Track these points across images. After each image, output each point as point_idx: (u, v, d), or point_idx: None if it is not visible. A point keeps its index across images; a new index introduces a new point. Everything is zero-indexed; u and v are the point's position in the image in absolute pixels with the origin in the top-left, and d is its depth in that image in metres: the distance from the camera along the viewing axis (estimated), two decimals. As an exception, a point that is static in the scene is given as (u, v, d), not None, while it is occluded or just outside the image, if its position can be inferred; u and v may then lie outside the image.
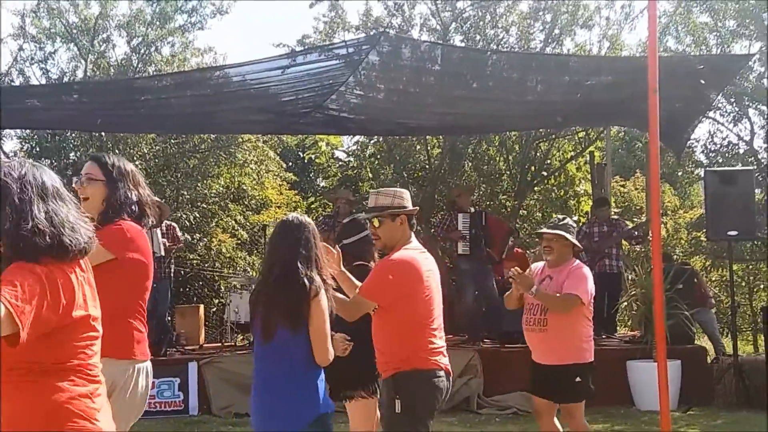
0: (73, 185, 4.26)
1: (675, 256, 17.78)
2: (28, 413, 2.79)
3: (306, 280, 4.27)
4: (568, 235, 6.36)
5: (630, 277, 12.12)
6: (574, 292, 6.16)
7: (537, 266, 6.61)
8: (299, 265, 4.32)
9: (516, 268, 6.35)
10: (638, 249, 15.87)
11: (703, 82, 10.67)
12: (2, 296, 2.58)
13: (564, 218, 6.65)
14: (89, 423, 2.85)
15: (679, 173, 21.00)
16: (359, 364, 5.25)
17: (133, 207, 4.22)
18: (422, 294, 4.90)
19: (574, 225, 6.67)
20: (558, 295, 6.22)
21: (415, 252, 5.02)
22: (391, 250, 5.04)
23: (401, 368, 4.75)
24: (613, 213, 13.86)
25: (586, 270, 6.38)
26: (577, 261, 6.46)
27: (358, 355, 5.02)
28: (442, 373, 4.88)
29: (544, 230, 6.63)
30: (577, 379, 6.19)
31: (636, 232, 12.36)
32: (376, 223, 5.07)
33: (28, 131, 16.23)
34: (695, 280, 12.12)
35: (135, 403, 4.10)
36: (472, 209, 12.39)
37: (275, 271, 4.40)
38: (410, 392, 4.81)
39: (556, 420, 6.46)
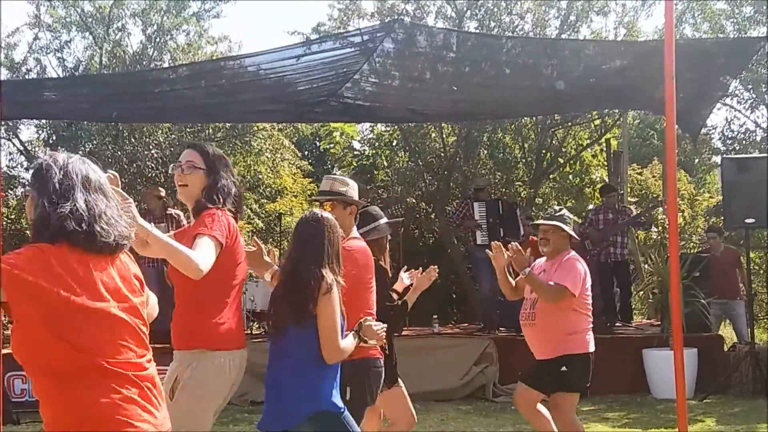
0: (171, 171, 4.39)
1: (692, 244, 17.73)
2: (64, 422, 2.80)
3: (314, 277, 4.25)
4: (564, 226, 6.30)
5: (646, 266, 12.11)
6: (562, 282, 6.07)
7: (541, 261, 6.53)
8: (309, 261, 4.31)
9: (515, 244, 6.30)
10: (654, 237, 15.83)
11: (715, 50, 10.60)
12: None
13: (561, 209, 6.58)
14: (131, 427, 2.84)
15: (696, 160, 20.91)
16: None
17: (233, 197, 4.29)
18: (370, 283, 5.06)
19: (572, 216, 6.60)
20: (543, 281, 6.17)
21: (362, 242, 5.20)
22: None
23: (354, 357, 4.57)
24: (629, 201, 13.82)
25: (579, 262, 6.27)
26: (572, 252, 6.36)
27: None
28: (380, 362, 5.04)
29: (540, 221, 6.61)
30: (563, 368, 6.07)
31: (641, 218, 12.31)
32: (328, 207, 5.08)
33: (44, 120, 16.29)
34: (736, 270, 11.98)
35: (208, 392, 4.06)
36: (490, 198, 12.37)
37: (288, 267, 4.43)
38: (360, 381, 4.86)
39: (540, 406, 6.29)
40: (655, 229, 16.70)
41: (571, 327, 6.13)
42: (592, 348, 6.21)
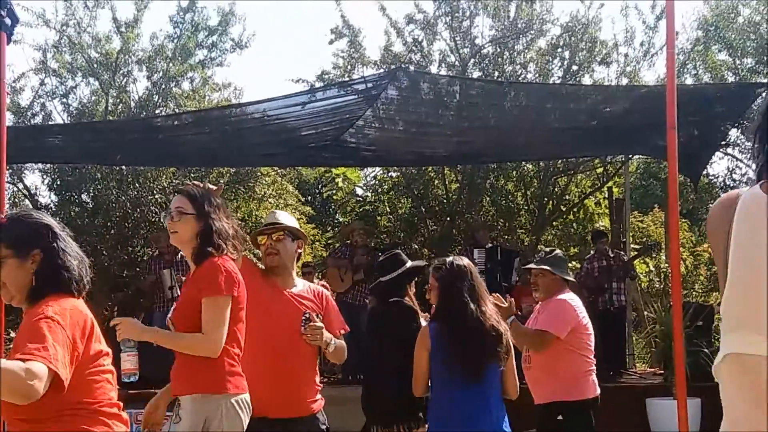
0: (162, 219, 4.51)
1: (694, 293, 17.69)
2: None
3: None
4: (552, 269, 6.08)
5: (648, 314, 12.07)
6: (544, 327, 5.89)
7: (538, 306, 6.37)
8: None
9: (497, 295, 5.97)
10: (657, 285, 15.81)
11: (718, 94, 10.67)
12: (38, 358, 2.66)
13: (552, 250, 6.44)
14: None
15: (699, 208, 20.93)
16: (398, 399, 5.34)
17: (232, 240, 4.27)
18: None
19: (565, 257, 6.44)
20: (527, 328, 6.01)
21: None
22: (284, 271, 5.02)
23: None
24: (632, 248, 13.82)
25: (568, 302, 6.04)
26: (564, 294, 6.12)
27: (397, 389, 5.18)
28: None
29: (530, 266, 6.39)
30: (559, 417, 5.87)
31: (632, 272, 12.33)
32: (276, 237, 4.99)
33: (49, 165, 16.35)
34: None
35: None
36: (489, 244, 12.40)
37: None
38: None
39: None
40: (657, 278, 16.70)
41: (566, 370, 5.93)
42: (593, 393, 6.02)
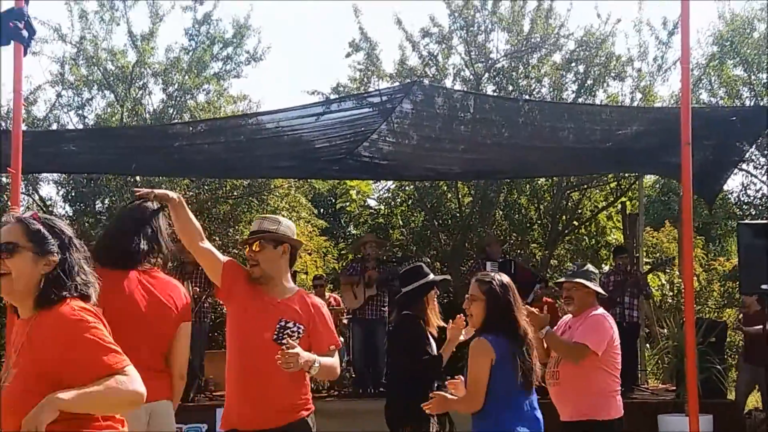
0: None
1: (707, 308, 17.62)
2: None
3: None
4: (587, 282, 6.07)
5: (661, 330, 12.03)
6: (582, 341, 5.85)
7: (567, 318, 6.34)
8: None
9: (530, 308, 5.93)
10: (670, 301, 15.77)
11: (734, 118, 10.64)
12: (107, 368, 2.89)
13: (584, 265, 6.36)
14: None
15: (714, 224, 20.88)
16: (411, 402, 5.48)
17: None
18: None
19: (596, 272, 6.36)
20: (566, 341, 5.96)
21: None
22: (270, 280, 4.79)
23: None
24: (644, 263, 13.79)
25: (604, 318, 6.04)
26: (599, 309, 6.13)
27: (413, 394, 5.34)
28: None
29: (563, 279, 6.35)
30: None
31: (646, 290, 12.29)
32: (256, 247, 4.79)
33: (64, 176, 16.44)
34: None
35: None
36: (501, 258, 12.40)
37: None
38: None
39: None
40: (670, 293, 16.65)
41: (596, 388, 5.87)
42: (620, 413, 5.94)
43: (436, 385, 5.94)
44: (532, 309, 5.91)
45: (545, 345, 6.08)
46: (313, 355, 4.53)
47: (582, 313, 6.08)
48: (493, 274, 5.12)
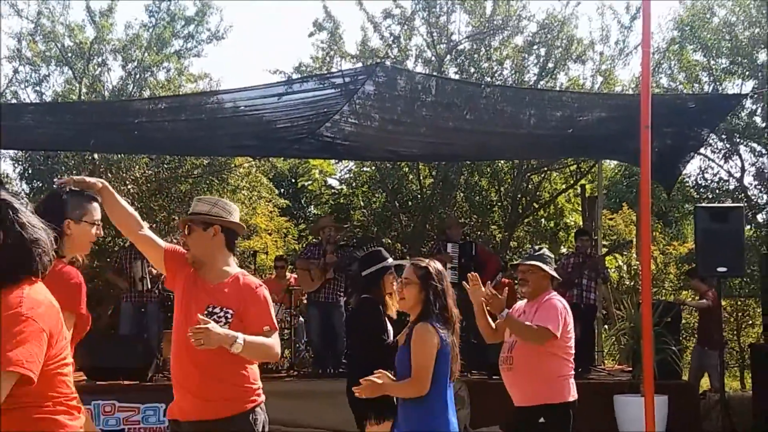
0: None
1: (663, 290, 17.84)
2: None
3: None
4: (543, 266, 6.02)
5: (618, 312, 12.15)
6: (544, 324, 5.76)
7: (521, 304, 6.28)
8: None
9: (492, 290, 5.91)
10: (627, 282, 15.94)
11: (692, 106, 10.75)
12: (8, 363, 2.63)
13: (540, 248, 6.31)
14: None
15: (672, 207, 21.09)
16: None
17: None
18: None
19: (552, 256, 6.30)
20: (528, 324, 5.87)
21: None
22: (203, 265, 4.53)
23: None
24: (602, 246, 13.92)
25: (560, 302, 5.97)
26: (553, 293, 6.07)
27: None
28: None
29: (519, 261, 6.32)
30: (541, 419, 5.73)
31: (604, 273, 12.43)
32: (186, 230, 4.55)
33: (20, 153, 16.22)
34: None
35: None
36: (461, 240, 12.44)
37: None
38: None
39: None
40: (627, 275, 16.83)
41: (551, 372, 5.82)
42: (573, 396, 5.90)
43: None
44: (494, 291, 5.89)
45: (494, 327, 6.07)
46: (232, 332, 4.19)
47: (537, 297, 6.03)
48: (428, 260, 5.06)
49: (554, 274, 6.14)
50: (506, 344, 6.01)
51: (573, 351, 5.99)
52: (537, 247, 6.39)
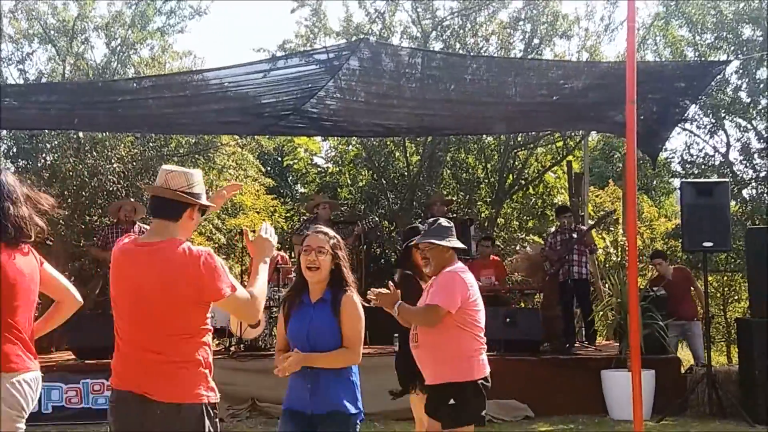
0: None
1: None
2: None
3: None
4: (437, 241, 5.70)
5: (605, 287, 12.17)
6: (434, 301, 5.51)
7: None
8: None
9: (376, 289, 5.62)
10: (614, 258, 15.96)
11: (676, 71, 10.74)
12: None
13: (435, 220, 5.92)
14: None
15: (655, 183, 21.13)
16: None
17: None
18: None
19: (450, 225, 5.92)
20: (416, 308, 5.67)
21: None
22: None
23: None
24: (589, 222, 13.95)
25: (459, 274, 5.63)
26: (454, 265, 5.72)
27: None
28: None
29: (415, 241, 5.96)
30: (451, 401, 5.46)
31: (592, 245, 12.50)
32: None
33: (4, 132, 16.12)
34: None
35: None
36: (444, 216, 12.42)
37: None
38: None
39: None
40: (614, 251, 16.86)
41: (454, 349, 5.51)
42: (483, 373, 5.58)
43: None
44: (380, 290, 5.64)
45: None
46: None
47: (438, 273, 5.74)
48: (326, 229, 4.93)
49: (453, 245, 5.78)
50: None
51: (482, 324, 5.66)
52: (431, 220, 6.01)
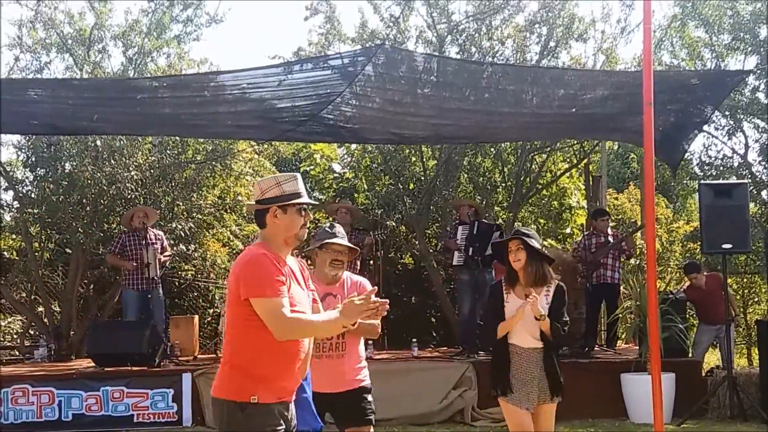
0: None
1: (669, 269, 17.82)
2: None
3: None
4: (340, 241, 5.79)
5: (624, 291, 12.13)
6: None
7: None
8: None
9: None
10: (633, 261, 15.92)
11: (697, 82, 10.70)
12: None
13: (333, 226, 5.94)
14: None
15: (674, 185, 21.05)
16: None
17: None
18: None
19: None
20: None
21: None
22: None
23: None
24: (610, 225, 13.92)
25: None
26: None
27: None
28: None
29: (333, 241, 5.85)
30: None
31: (625, 247, 12.43)
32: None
33: (24, 140, 16.22)
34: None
35: None
36: (468, 221, 12.43)
37: None
38: None
39: None
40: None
41: None
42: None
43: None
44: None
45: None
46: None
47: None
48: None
49: (358, 246, 6.10)
50: None
51: None
52: (330, 224, 6.04)
